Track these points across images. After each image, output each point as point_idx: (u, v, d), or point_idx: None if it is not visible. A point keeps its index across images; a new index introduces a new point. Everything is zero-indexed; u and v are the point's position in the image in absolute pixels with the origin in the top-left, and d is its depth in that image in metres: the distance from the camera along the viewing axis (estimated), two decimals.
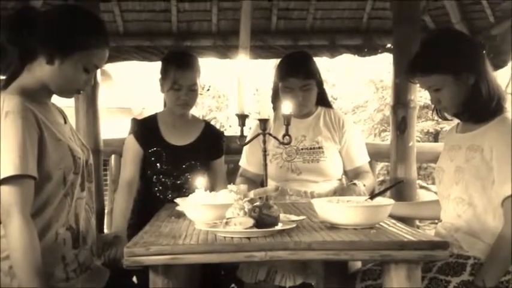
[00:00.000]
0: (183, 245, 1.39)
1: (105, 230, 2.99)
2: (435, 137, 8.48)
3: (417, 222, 3.34)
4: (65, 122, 1.79)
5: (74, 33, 1.65)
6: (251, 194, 1.62)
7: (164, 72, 2.46)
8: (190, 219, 1.70)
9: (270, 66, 8.74)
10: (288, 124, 1.92)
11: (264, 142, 1.91)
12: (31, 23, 1.64)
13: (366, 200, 1.71)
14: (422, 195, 5.13)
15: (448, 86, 1.85)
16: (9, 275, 1.55)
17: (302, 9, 3.50)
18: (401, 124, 3.08)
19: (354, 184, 2.29)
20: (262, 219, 1.45)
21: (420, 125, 8.07)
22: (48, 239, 1.61)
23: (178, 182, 2.45)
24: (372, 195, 1.75)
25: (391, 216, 1.69)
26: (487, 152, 1.79)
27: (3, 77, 1.75)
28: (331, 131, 2.48)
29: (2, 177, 1.48)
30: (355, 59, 4.14)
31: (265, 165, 1.93)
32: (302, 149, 2.44)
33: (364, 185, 2.31)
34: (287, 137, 1.94)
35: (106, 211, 3.10)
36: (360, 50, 3.63)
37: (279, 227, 1.48)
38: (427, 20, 3.48)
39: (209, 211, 1.61)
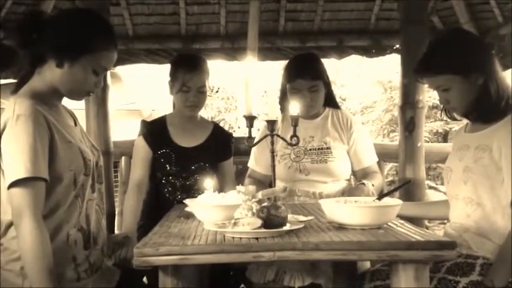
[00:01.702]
0: (192, 245, 1.40)
1: (116, 231, 3.01)
2: (444, 137, 8.42)
3: (426, 223, 3.34)
4: (75, 124, 1.81)
5: (82, 36, 1.67)
6: (259, 195, 1.63)
7: (173, 74, 2.48)
8: (199, 220, 1.72)
9: (278, 67, 8.75)
10: (295, 125, 1.93)
11: (272, 143, 1.92)
12: (41, 27, 1.66)
13: (373, 200, 1.71)
14: (431, 196, 5.11)
15: (456, 86, 1.85)
16: (21, 276, 1.57)
17: (310, 11, 3.51)
18: (409, 124, 3.08)
19: (363, 184, 2.30)
20: (271, 219, 1.46)
21: (429, 126, 8.03)
22: (60, 240, 1.62)
23: (188, 183, 2.46)
24: (380, 196, 1.76)
25: (400, 216, 1.69)
26: (495, 151, 1.79)
27: (14, 81, 1.78)
28: (339, 131, 2.49)
29: (13, 179, 1.50)
30: (363, 60, 4.14)
31: (273, 166, 1.94)
32: (310, 149, 2.44)
33: (373, 185, 2.31)
34: (295, 137, 1.95)
35: (116, 212, 3.12)
36: (368, 51, 3.63)
37: (287, 227, 1.49)
38: (435, 20, 3.47)
39: (218, 212, 1.62)
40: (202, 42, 3.53)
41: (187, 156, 2.47)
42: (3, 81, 2.46)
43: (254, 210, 1.49)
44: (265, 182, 2.50)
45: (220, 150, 2.56)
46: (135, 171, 2.47)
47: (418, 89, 3.05)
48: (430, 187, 5.62)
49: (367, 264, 2.20)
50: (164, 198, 2.46)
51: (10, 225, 1.58)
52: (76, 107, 2.08)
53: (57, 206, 1.62)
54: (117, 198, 3.28)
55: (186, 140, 2.51)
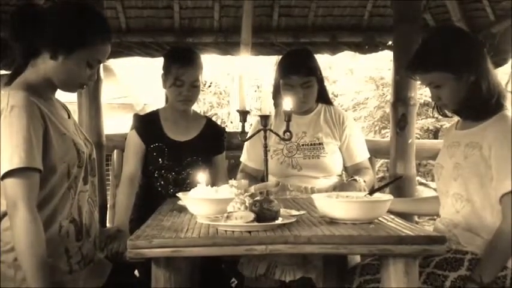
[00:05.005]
0: (185, 238, 1.41)
1: (108, 224, 3.02)
2: (435, 134, 8.49)
3: (416, 218, 3.37)
4: (69, 117, 1.81)
5: (77, 29, 1.67)
6: (252, 189, 1.64)
7: (166, 68, 2.47)
8: (192, 214, 1.72)
9: (271, 62, 8.76)
10: (288, 120, 1.94)
11: (265, 138, 1.93)
12: (34, 19, 1.66)
13: (365, 195, 1.73)
14: (422, 192, 5.15)
15: (448, 83, 1.86)
16: (13, 267, 1.57)
17: (303, 7, 3.52)
18: (401, 121, 3.10)
19: (355, 180, 2.31)
20: (263, 213, 1.47)
21: (420, 123, 8.09)
22: (52, 232, 1.63)
23: (180, 177, 2.47)
24: (371, 191, 1.77)
25: (390, 212, 1.71)
26: (485, 149, 1.81)
27: (7, 72, 1.77)
28: (331, 127, 2.50)
29: (8, 169, 1.50)
30: (356, 56, 4.17)
31: (266, 160, 1.95)
32: (303, 145, 2.46)
33: (364, 181, 2.33)
34: (288, 133, 1.96)
35: (108, 205, 3.12)
36: (361, 48, 3.65)
37: (279, 221, 1.50)
38: (427, 18, 3.50)
39: (211, 205, 1.63)
40: (196, 36, 3.53)
41: (180, 150, 2.48)
42: None
43: (247, 204, 1.50)
44: (258, 177, 2.52)
45: (213, 145, 2.56)
46: (128, 165, 2.46)
47: (410, 86, 3.07)
48: (421, 183, 5.66)
49: (357, 259, 2.22)
50: (156, 192, 2.46)
51: (3, 216, 1.58)
52: (68, 99, 2.08)
53: (50, 197, 1.63)
54: (109, 191, 3.28)
55: (179, 134, 2.51)
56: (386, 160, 4.94)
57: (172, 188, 2.44)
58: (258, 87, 10.32)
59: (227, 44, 3.53)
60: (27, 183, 1.51)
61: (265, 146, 1.94)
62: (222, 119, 10.82)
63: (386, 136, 5.69)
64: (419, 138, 6.15)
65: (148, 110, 2.77)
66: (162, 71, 2.51)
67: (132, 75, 9.74)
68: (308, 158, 2.43)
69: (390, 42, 3.50)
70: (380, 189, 1.83)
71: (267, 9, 3.52)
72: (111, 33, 1.76)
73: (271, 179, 2.27)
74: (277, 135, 2.07)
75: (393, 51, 3.24)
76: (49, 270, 1.53)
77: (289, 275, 2.21)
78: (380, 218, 1.62)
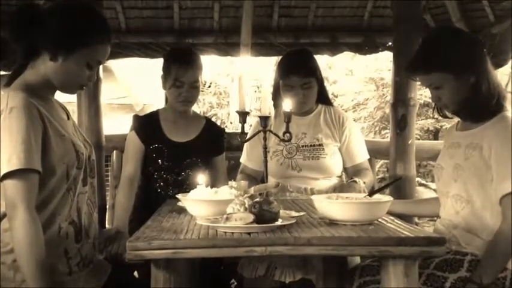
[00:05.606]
0: (184, 239, 1.40)
1: (107, 225, 3.01)
2: (435, 135, 8.48)
3: (416, 219, 3.37)
4: (68, 118, 1.81)
5: (77, 29, 1.67)
6: (251, 190, 1.63)
7: (166, 69, 2.47)
8: (191, 215, 1.72)
9: (271, 63, 8.76)
10: (288, 121, 1.93)
11: (265, 139, 1.93)
12: (34, 19, 1.66)
13: (364, 196, 1.73)
14: (422, 193, 5.15)
15: (448, 84, 1.86)
16: (12, 269, 1.57)
17: (303, 7, 3.53)
18: (401, 122, 3.10)
19: (354, 181, 2.31)
20: (263, 215, 1.47)
21: (420, 123, 8.08)
22: (51, 233, 1.62)
23: (180, 178, 2.47)
24: (371, 192, 1.77)
25: (390, 213, 1.71)
26: (486, 150, 1.80)
27: (5, 73, 1.77)
28: (331, 128, 2.50)
29: (7, 171, 1.50)
30: (356, 56, 4.17)
31: (266, 161, 1.95)
32: (302, 146, 2.46)
33: (364, 183, 2.33)
34: (287, 134, 1.96)
35: (107, 206, 3.12)
36: (361, 48, 3.65)
37: (279, 222, 1.50)
38: (427, 18, 3.50)
39: (210, 207, 1.63)
40: (196, 36, 3.54)
41: (179, 151, 2.48)
42: None
43: (246, 206, 1.50)
44: (257, 178, 2.51)
45: (213, 146, 2.56)
46: (127, 166, 2.46)
47: (410, 86, 3.08)
48: (420, 184, 5.66)
49: (357, 260, 2.22)
50: (156, 193, 2.46)
51: (3, 217, 1.58)
52: (67, 100, 2.08)
53: (49, 198, 1.62)
54: (108, 192, 3.28)
55: (179, 135, 2.51)
56: (386, 161, 4.93)
57: (172, 189, 2.44)
58: (258, 87, 10.31)
59: (227, 44, 3.53)
60: (26, 185, 1.51)
61: (265, 147, 1.94)
62: (221, 120, 10.81)
63: (386, 137, 5.69)
64: (419, 139, 6.15)
65: (148, 110, 2.77)
66: (161, 72, 2.51)
67: (132, 76, 9.73)
68: (308, 159, 2.43)
69: (390, 43, 3.50)
70: (380, 190, 1.82)
71: (267, 10, 3.52)
72: (111, 33, 1.76)
73: (271, 180, 2.27)
74: (277, 136, 2.07)
75: (393, 52, 3.24)
76: (48, 272, 1.53)
77: (289, 276, 2.21)
78: (380, 220, 1.62)
